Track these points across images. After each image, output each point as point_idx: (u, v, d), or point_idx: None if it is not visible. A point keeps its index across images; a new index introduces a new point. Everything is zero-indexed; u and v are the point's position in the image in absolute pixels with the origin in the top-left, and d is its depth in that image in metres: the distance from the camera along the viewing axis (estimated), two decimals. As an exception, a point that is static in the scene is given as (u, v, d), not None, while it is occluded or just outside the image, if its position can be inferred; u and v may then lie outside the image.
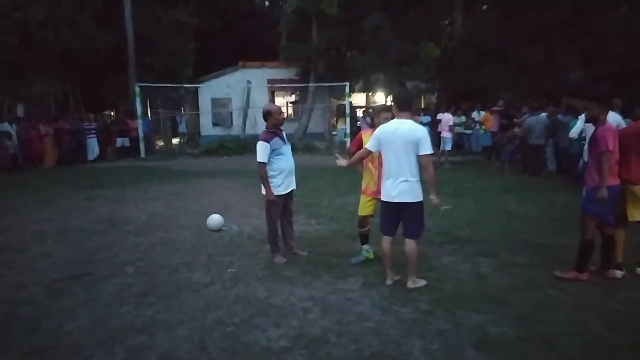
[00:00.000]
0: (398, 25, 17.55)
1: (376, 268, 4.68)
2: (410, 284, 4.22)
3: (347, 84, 17.48)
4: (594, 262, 4.47)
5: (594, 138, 4.29)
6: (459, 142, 16.28)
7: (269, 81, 20.69)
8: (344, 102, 17.55)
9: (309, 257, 5.15)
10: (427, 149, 3.97)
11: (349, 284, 4.38)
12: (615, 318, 3.58)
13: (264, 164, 4.78)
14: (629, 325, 3.45)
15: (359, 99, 23.62)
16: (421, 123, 16.58)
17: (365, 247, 5.02)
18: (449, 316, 3.66)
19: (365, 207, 4.90)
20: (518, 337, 3.32)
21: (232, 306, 3.92)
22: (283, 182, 4.94)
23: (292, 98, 23.02)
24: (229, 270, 4.81)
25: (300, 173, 11.75)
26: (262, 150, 4.77)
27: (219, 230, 6.26)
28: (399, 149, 4.04)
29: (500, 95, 15.00)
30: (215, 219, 6.31)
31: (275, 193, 4.88)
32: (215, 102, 21.02)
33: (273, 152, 4.81)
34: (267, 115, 4.92)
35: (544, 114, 10.69)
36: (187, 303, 4.03)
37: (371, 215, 4.92)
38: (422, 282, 4.27)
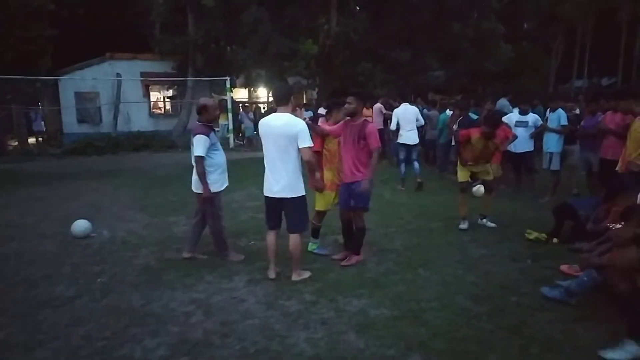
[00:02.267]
0: (277, 20, 17.62)
1: (261, 264, 4.64)
2: (295, 277, 4.26)
3: (228, 78, 17.10)
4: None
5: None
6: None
7: (143, 74, 19.35)
8: (226, 98, 17.12)
9: (190, 259, 4.91)
10: (306, 141, 4.01)
11: (234, 282, 4.28)
12: (474, 290, 4.00)
13: (202, 158, 4.54)
14: (485, 295, 3.89)
15: (241, 94, 23.27)
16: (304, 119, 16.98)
17: (314, 240, 5.09)
18: (332, 304, 3.77)
19: (323, 201, 4.91)
20: (394, 316, 3.55)
21: (103, 319, 3.58)
22: (219, 178, 4.74)
23: (169, 93, 21.85)
24: (98, 280, 4.39)
25: (181, 172, 11.26)
26: (202, 144, 4.53)
27: (86, 237, 5.69)
28: (276, 142, 4.04)
29: (376, 92, 15.91)
30: (80, 225, 5.72)
31: (213, 190, 4.64)
32: (80, 96, 19.07)
33: (210, 146, 4.62)
34: (202, 109, 4.71)
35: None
36: (49, 321, 3.58)
37: (327, 210, 5.03)
38: (306, 274, 4.34)
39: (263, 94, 23.26)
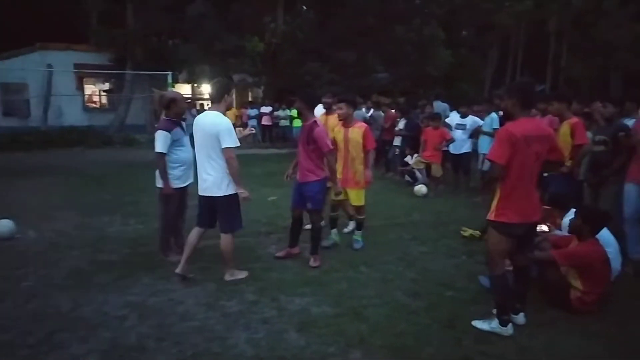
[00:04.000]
0: (223, 16, 17.31)
1: (201, 264, 4.52)
2: (227, 277, 4.20)
3: (170, 73, 16.52)
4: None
5: None
6: (285, 135, 16.90)
7: (76, 66, 18.28)
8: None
9: (126, 260, 4.70)
10: (227, 142, 3.88)
11: (172, 283, 4.14)
12: (413, 287, 4.12)
13: (163, 154, 4.41)
14: (423, 292, 4.01)
15: (184, 89, 22.58)
16: (249, 116, 16.77)
17: (333, 231, 5.08)
18: (273, 303, 3.74)
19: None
20: (335, 314, 3.57)
21: (26, 325, 3.33)
22: (182, 174, 4.56)
23: (106, 86, 20.81)
24: (23, 284, 4.09)
25: (118, 169, 10.80)
26: (162, 140, 4.39)
27: (10, 238, 5.28)
28: (203, 141, 3.98)
29: (323, 92, 16.00)
30: (3, 225, 5.31)
31: (173, 186, 4.47)
32: (5, 87, 17.75)
33: (174, 142, 4.44)
34: (171, 103, 4.53)
35: (363, 110, 11.73)
36: (-37, 330, 3.29)
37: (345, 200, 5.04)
38: (241, 275, 4.27)
39: (207, 90, 22.73)
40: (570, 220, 3.83)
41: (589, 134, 5.18)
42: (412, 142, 9.11)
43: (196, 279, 4.23)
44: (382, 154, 9.93)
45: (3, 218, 5.47)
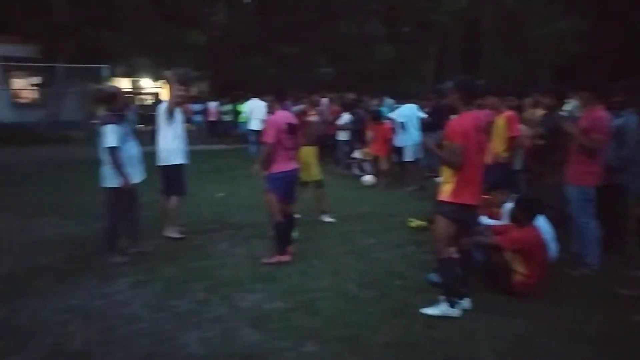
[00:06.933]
0: (159, 7, 16.67)
1: (147, 265, 4.38)
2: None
3: (105, 66, 15.72)
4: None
5: None
6: (229, 130, 16.63)
7: (3, 59, 16.98)
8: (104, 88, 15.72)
9: (66, 263, 4.45)
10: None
11: (117, 285, 3.98)
12: (363, 278, 4.21)
13: (117, 148, 4.29)
14: (373, 282, 4.11)
15: (123, 83, 21.58)
16: (193, 112, 16.33)
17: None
18: (225, 301, 3.69)
19: None
20: (288, 308, 3.58)
21: (-45, 338, 3.09)
22: (132, 171, 4.40)
23: (36, 80, 19.45)
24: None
25: (52, 168, 10.18)
26: (113, 134, 4.28)
27: None
28: None
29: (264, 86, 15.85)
30: None
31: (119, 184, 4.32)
32: None
33: (124, 137, 4.32)
34: (111, 98, 4.39)
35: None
36: None
37: None
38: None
39: (148, 84, 21.86)
40: (510, 209, 4.07)
41: (522, 127, 5.49)
42: (359, 136, 9.30)
43: (142, 279, 4.08)
44: (327, 149, 10.06)
45: None
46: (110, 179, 4.38)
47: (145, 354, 2.95)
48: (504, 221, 4.25)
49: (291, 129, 4.52)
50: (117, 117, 4.39)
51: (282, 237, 4.57)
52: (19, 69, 18.31)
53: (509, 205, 4.21)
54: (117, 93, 4.52)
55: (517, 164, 5.62)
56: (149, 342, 3.08)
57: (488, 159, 5.41)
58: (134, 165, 4.48)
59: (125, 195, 4.42)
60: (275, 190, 4.50)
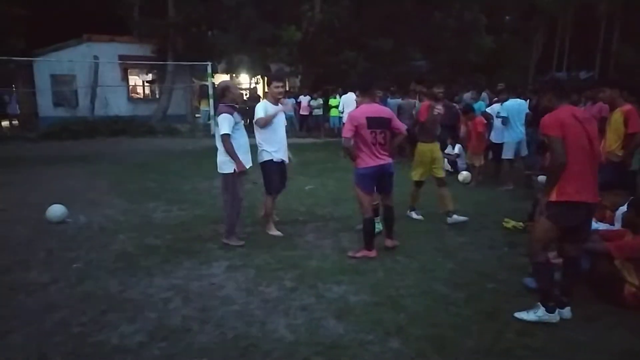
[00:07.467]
0: (260, 5, 17.38)
1: (241, 250, 4.62)
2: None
3: (209, 63, 16.81)
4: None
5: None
6: (319, 124, 16.92)
7: (121, 57, 18.91)
8: (207, 83, 16.82)
9: (170, 245, 4.86)
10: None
11: (213, 268, 4.25)
12: (452, 277, 4.05)
13: (228, 135, 4.62)
14: (463, 282, 3.94)
15: (222, 79, 22.93)
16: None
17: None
18: (312, 291, 3.77)
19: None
20: (373, 302, 3.57)
21: (79, 305, 3.52)
22: (243, 158, 4.74)
23: (149, 77, 21.39)
24: (74, 265, 4.30)
25: (160, 158, 11.13)
26: (227, 122, 4.61)
27: (61, 222, 5.56)
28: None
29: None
30: (56, 210, 5.59)
31: (232, 170, 4.70)
32: (56, 79, 18.56)
33: (234, 125, 4.67)
34: (225, 91, 4.80)
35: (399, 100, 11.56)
36: (22, 307, 3.50)
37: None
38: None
39: (245, 80, 22.97)
40: (623, 213, 3.66)
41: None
42: (452, 132, 8.93)
43: (236, 264, 4.32)
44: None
45: (54, 203, 5.76)
46: (226, 165, 4.69)
47: (237, 335, 3.11)
48: (616, 226, 3.84)
49: (374, 123, 4.41)
50: (231, 108, 4.71)
51: (370, 232, 4.55)
52: (135, 67, 20.21)
53: (622, 209, 3.79)
54: (228, 87, 4.84)
55: (635, 164, 5.04)
56: (240, 324, 3.25)
57: (601, 157, 4.94)
58: (243, 152, 4.74)
59: (237, 180, 4.72)
60: (362, 186, 4.49)
